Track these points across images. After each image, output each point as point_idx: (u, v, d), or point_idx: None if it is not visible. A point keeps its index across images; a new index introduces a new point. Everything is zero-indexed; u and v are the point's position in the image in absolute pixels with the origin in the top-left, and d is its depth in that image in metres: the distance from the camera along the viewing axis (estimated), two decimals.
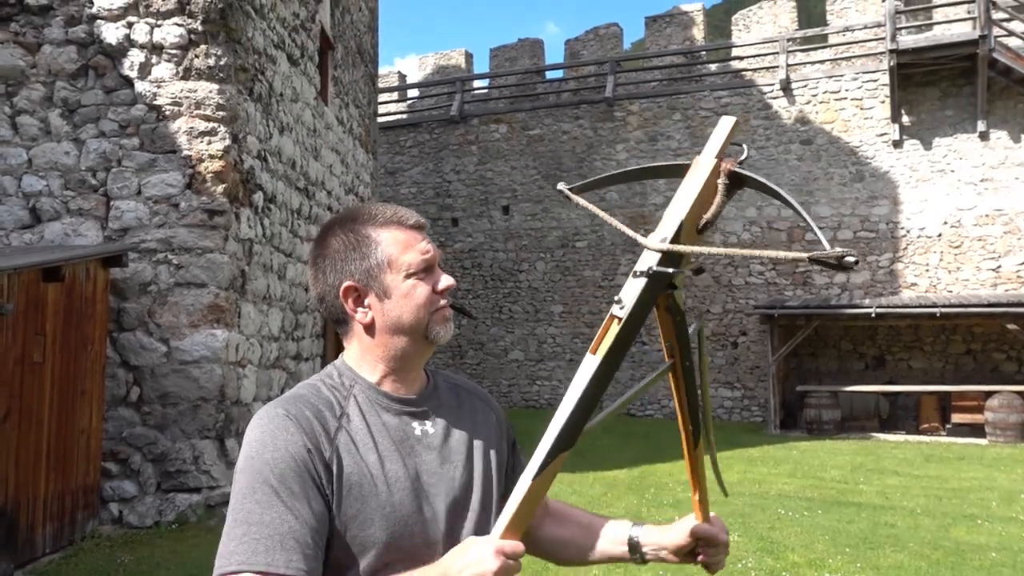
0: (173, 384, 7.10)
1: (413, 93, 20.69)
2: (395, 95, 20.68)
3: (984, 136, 14.62)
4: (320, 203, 10.12)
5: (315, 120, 10.00)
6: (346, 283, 1.29)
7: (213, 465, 7.07)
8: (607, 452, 11.08)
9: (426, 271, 1.30)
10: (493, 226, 17.91)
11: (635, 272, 1.22)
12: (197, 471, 7.01)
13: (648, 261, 1.21)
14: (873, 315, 13.77)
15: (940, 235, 14.89)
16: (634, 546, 1.42)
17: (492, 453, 1.39)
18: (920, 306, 13.65)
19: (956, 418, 13.80)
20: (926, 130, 15.09)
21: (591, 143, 17.39)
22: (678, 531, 1.41)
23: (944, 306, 13.30)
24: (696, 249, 1.23)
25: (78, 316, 6.40)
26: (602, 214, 1.36)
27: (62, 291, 6.16)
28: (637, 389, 1.32)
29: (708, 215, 1.25)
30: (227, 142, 7.37)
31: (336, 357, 1.39)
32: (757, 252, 1.24)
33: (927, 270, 14.96)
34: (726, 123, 1.32)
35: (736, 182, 1.25)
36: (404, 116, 19.80)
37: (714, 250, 1.24)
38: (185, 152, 7.31)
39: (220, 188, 7.30)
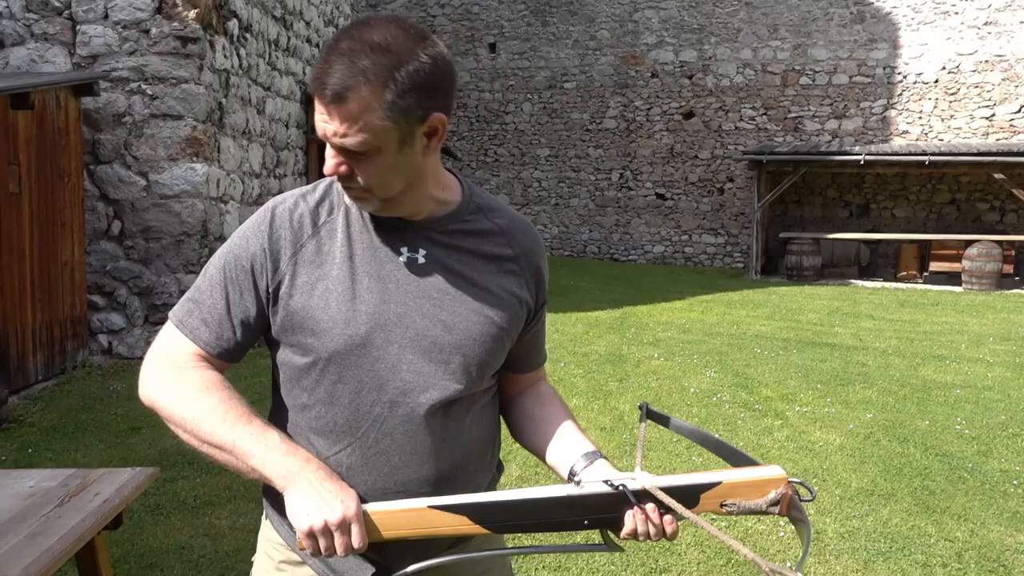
0: (155, 219, 7.02)
1: None
2: None
3: None
4: (298, 34, 9.67)
5: None
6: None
7: None
8: (589, 294, 11.24)
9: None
10: (479, 65, 17.32)
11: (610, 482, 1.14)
12: None
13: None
14: (862, 162, 13.68)
15: (937, 81, 14.57)
16: (574, 480, 1.24)
17: (492, 303, 1.25)
18: (909, 154, 13.56)
19: (934, 266, 14.04)
20: None
21: None
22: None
23: (934, 154, 13.22)
24: None
25: (52, 146, 6.22)
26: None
27: (33, 119, 5.95)
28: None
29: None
30: None
31: None
32: None
33: (920, 117, 14.73)
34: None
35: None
36: None
37: None
38: None
39: (192, 13, 6.93)
